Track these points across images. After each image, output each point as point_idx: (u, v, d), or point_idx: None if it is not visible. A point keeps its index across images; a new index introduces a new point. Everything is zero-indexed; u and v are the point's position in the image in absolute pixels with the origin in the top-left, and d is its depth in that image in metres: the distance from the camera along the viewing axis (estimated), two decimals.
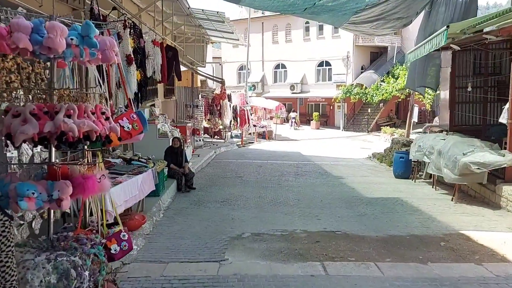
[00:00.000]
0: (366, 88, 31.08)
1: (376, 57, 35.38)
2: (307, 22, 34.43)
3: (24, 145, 3.81)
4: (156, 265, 4.86)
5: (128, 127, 3.41)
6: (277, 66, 38.50)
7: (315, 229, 6.44)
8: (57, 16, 2.92)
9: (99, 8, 5.99)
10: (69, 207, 3.36)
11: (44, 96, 3.65)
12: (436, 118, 19.94)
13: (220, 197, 8.61)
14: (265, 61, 38.73)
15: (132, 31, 6.64)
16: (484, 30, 8.02)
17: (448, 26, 7.84)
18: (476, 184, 8.43)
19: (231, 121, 20.11)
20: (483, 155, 7.63)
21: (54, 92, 3.06)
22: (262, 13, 34.65)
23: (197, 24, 14.64)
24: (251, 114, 23.62)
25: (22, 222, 3.89)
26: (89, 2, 5.97)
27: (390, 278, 4.57)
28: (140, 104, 7.31)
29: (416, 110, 17.87)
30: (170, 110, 14.69)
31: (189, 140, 14.04)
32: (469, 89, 10.47)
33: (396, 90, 29.25)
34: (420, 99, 23.48)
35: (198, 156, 13.76)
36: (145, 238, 5.83)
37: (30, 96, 3.90)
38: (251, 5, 14.35)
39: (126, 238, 3.65)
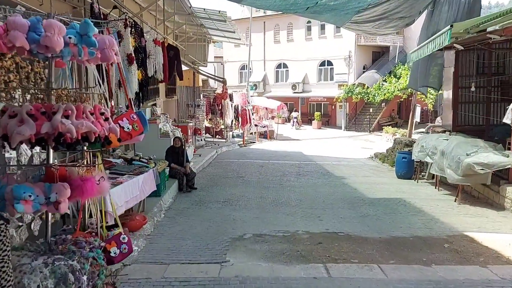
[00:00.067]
0: (368, 87, 30.96)
1: (378, 56, 35.24)
2: (309, 22, 34.32)
3: (23, 146, 3.75)
4: (157, 266, 4.83)
5: (128, 128, 3.36)
6: (279, 66, 38.39)
7: (317, 230, 6.38)
8: (55, 14, 2.86)
9: (100, 6, 5.93)
10: (69, 208, 3.30)
11: (42, 96, 3.60)
12: (438, 118, 19.86)
13: (222, 197, 8.56)
14: (267, 61, 38.62)
15: (133, 30, 6.59)
16: (488, 30, 7.95)
17: (452, 25, 7.77)
18: (479, 185, 8.37)
19: (232, 120, 20.05)
20: (487, 156, 7.57)
21: (52, 92, 3.00)
22: (264, 13, 34.58)
23: (199, 23, 14.58)
24: (252, 114, 23.53)
25: (20, 223, 3.83)
26: (90, 1, 5.91)
27: (393, 280, 4.52)
28: (141, 103, 7.27)
29: (418, 110, 17.74)
30: (171, 110, 14.63)
31: (191, 140, 13.99)
32: (473, 89, 10.39)
33: (398, 90, 29.14)
34: (422, 99, 23.38)
35: (200, 156, 13.71)
36: (146, 239, 5.79)
37: (28, 96, 3.85)
38: (252, 4, 14.22)
39: (126, 241, 3.60)
